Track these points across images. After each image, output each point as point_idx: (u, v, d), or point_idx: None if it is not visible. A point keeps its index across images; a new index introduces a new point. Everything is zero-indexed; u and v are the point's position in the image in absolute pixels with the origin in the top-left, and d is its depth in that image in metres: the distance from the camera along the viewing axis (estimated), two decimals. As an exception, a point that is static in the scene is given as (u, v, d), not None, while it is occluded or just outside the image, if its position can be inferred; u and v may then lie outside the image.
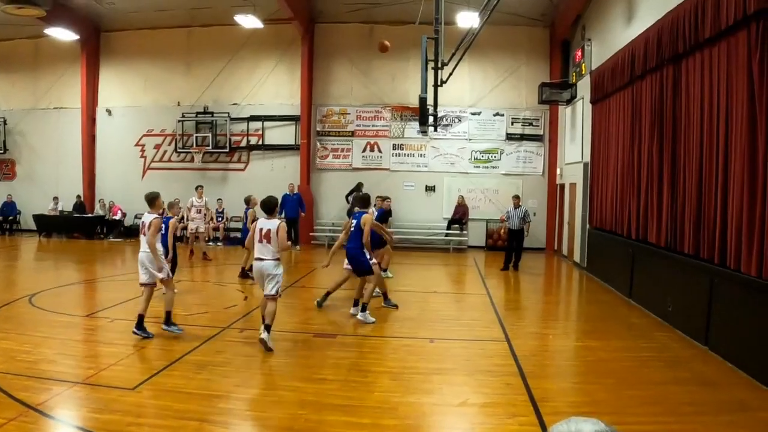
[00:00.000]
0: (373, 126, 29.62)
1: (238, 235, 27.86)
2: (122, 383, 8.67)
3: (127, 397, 8.20)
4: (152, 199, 11.66)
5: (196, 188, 23.76)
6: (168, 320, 11.56)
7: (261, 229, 10.81)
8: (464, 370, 10.11)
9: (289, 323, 13.23)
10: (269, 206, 11.14)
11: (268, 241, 10.69)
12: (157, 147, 31.47)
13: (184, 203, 26.57)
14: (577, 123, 24.18)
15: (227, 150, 30.31)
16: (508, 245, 22.61)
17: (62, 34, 28.24)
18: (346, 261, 14.37)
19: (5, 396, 7.91)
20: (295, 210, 27.23)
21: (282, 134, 30.23)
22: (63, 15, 27.28)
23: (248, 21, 26.18)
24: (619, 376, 9.81)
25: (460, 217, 28.20)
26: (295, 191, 28.10)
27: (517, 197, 22.76)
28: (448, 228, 28.40)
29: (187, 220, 23.10)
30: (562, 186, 26.91)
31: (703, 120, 12.39)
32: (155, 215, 11.75)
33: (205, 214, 23.49)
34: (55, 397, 8.07)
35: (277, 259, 10.87)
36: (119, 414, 7.53)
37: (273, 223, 10.76)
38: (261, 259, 10.88)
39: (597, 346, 11.74)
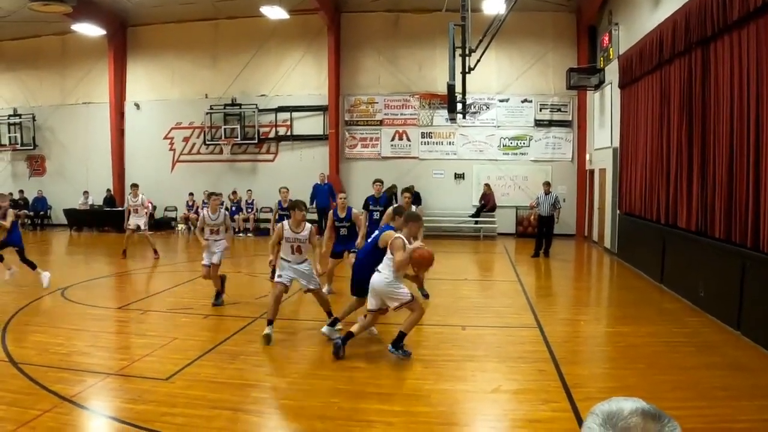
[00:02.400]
0: (401, 114, 29.60)
1: (269, 226, 28.00)
2: (155, 374, 8.74)
3: (161, 387, 8.28)
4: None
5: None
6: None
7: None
8: (496, 356, 10.10)
9: (320, 312, 13.25)
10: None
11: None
12: (186, 140, 31.64)
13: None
14: (605, 108, 24.05)
15: (256, 141, 30.41)
16: (538, 232, 22.39)
17: (89, 30, 28.36)
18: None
19: (40, 388, 8.00)
20: (326, 200, 27.30)
21: (310, 124, 30.29)
22: (89, 11, 27.36)
23: (274, 12, 26.16)
24: (651, 361, 9.77)
25: (488, 206, 28.09)
26: (326, 181, 28.18)
27: (547, 183, 22.51)
28: (476, 216, 28.31)
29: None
30: (592, 172, 26.79)
31: (732, 103, 12.28)
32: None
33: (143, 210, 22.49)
34: (88, 389, 8.15)
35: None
36: (153, 404, 7.60)
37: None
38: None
39: (628, 332, 11.69)
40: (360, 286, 10.67)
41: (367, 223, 14.63)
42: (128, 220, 21.65)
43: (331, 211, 14.62)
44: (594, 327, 12.52)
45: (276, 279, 11.27)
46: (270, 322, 10.78)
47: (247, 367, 9.31)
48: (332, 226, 14.52)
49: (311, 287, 11.41)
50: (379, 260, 10.06)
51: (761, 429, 7.03)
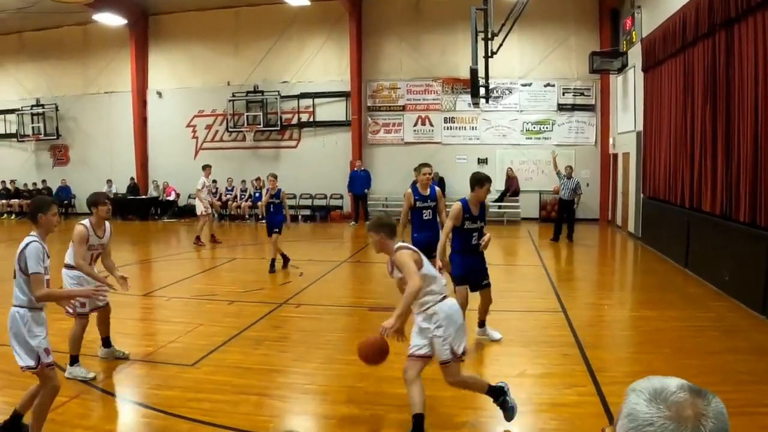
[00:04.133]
0: (423, 100, 29.57)
1: (293, 212, 28.08)
2: (181, 360, 8.82)
3: (187, 373, 8.37)
4: None
5: (204, 167, 22.50)
6: None
7: None
8: (521, 341, 10.13)
9: (344, 297, 13.36)
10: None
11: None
12: (209, 127, 31.77)
13: (237, 183, 26.89)
14: (629, 92, 23.94)
15: (278, 128, 30.53)
16: (558, 216, 22.51)
17: (110, 20, 28.48)
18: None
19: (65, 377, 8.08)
20: (363, 186, 27.46)
21: (333, 111, 30.34)
22: (110, 0, 27.44)
23: (295, -1, 26.16)
24: (676, 345, 9.77)
25: (513, 190, 28.06)
26: (363, 167, 28.31)
27: (569, 168, 22.50)
28: (500, 201, 28.24)
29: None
30: (615, 156, 26.68)
31: (757, 85, 12.19)
32: None
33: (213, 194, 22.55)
34: (115, 375, 8.23)
35: None
36: (179, 390, 7.67)
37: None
38: None
39: (653, 316, 11.67)
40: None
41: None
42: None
43: (409, 190, 11.83)
44: (618, 311, 12.51)
45: None
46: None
47: (272, 353, 9.37)
48: (410, 208, 11.85)
49: None
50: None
51: (787, 413, 7.02)
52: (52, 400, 6.27)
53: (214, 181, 29.32)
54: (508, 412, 6.85)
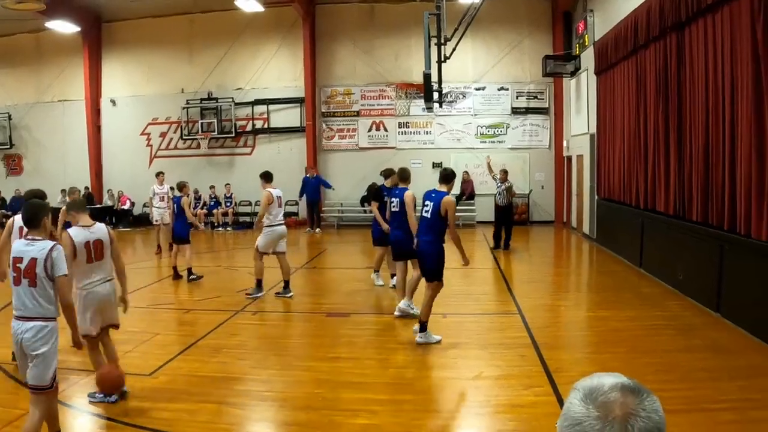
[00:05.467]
0: (378, 105, 29.58)
1: (248, 219, 28.02)
2: (139, 369, 8.74)
3: (145, 383, 8.30)
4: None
5: (157, 175, 21.65)
6: None
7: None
8: (478, 343, 10.18)
9: (301, 303, 13.32)
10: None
11: (31, 282, 6.30)
12: (163, 135, 31.50)
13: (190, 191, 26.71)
14: (582, 95, 24.13)
15: (233, 135, 30.31)
16: (495, 223, 21.26)
17: (63, 27, 28.04)
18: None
19: (23, 387, 7.98)
20: (315, 193, 27.37)
21: (287, 117, 30.22)
22: (63, 7, 27.13)
23: (249, 5, 25.96)
24: (632, 344, 9.87)
25: (469, 193, 28.13)
26: (315, 173, 28.25)
27: (504, 171, 21.38)
28: (457, 204, 28.20)
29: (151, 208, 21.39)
30: (569, 158, 26.87)
31: (708, 87, 12.36)
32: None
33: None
34: (72, 386, 8.16)
35: None
36: (137, 400, 7.62)
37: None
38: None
39: (609, 316, 11.79)
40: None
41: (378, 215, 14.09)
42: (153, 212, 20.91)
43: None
44: (574, 312, 12.61)
45: None
46: None
47: (230, 361, 9.34)
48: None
49: None
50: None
51: (742, 409, 7.11)
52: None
53: (172, 188, 29.16)
54: None
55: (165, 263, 18.57)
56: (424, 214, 10.51)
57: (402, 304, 11.92)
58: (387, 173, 14.40)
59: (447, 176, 10.76)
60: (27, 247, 6.01)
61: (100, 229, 7.66)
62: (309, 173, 27.94)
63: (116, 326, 8.15)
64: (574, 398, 1.75)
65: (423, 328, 10.23)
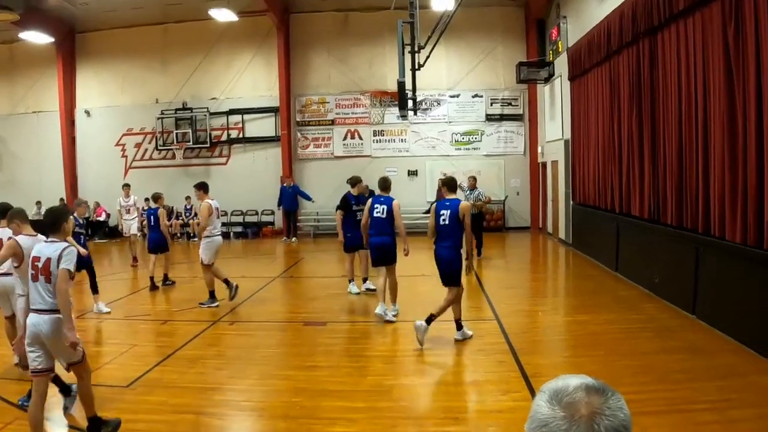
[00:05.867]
0: (352, 113, 29.60)
1: (224, 229, 27.98)
2: (116, 381, 8.70)
3: (123, 394, 8.25)
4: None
5: (123, 187, 21.68)
6: None
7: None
8: (456, 350, 10.19)
9: (277, 313, 13.32)
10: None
11: (47, 279, 7.01)
12: (138, 146, 31.34)
13: (168, 202, 26.63)
14: (556, 101, 24.23)
15: (208, 145, 30.22)
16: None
17: (37, 38, 27.86)
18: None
19: (1, 401, 7.92)
20: (292, 202, 27.32)
21: (262, 126, 30.16)
22: (36, 18, 27.02)
23: (223, 14, 25.99)
24: (610, 347, 9.91)
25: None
26: (293, 183, 28.19)
27: (473, 178, 20.93)
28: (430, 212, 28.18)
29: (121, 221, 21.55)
30: (544, 164, 26.96)
31: (681, 91, 12.45)
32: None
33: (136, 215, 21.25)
34: (50, 399, 8.06)
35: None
36: (115, 412, 7.53)
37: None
38: None
39: (586, 320, 11.82)
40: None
41: (347, 223, 14.72)
42: (122, 225, 21.05)
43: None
44: (552, 317, 12.64)
45: None
46: None
47: (208, 371, 9.30)
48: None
49: None
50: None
51: (721, 409, 7.14)
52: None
53: (147, 200, 29.00)
54: None
55: (141, 274, 18.49)
56: (442, 223, 10.70)
57: (378, 309, 12.14)
58: (354, 181, 14.93)
59: (453, 185, 11.23)
60: (45, 248, 6.75)
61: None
62: (286, 182, 27.89)
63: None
64: (541, 400, 1.77)
65: (459, 326, 10.65)
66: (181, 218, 29.00)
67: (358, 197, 14.65)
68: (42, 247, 6.81)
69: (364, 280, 14.99)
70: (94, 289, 13.62)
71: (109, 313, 13.32)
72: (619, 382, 7.84)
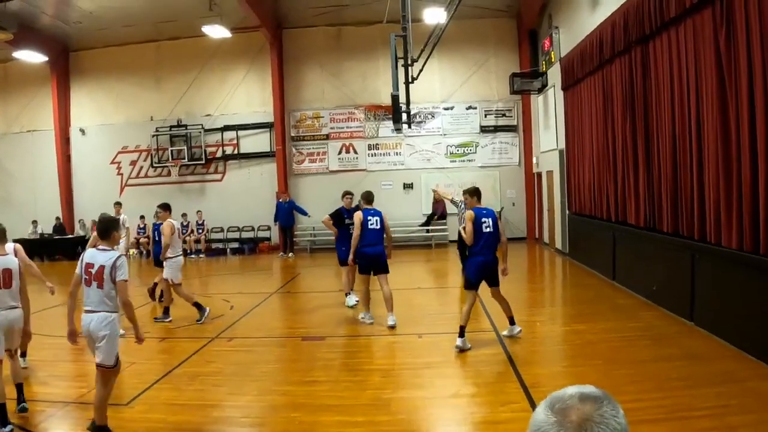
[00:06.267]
0: (347, 127, 29.63)
1: (220, 245, 27.96)
2: (115, 399, 8.63)
3: (121, 413, 8.21)
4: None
5: (114, 205, 20.00)
6: None
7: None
8: (454, 362, 10.18)
9: (276, 329, 13.30)
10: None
11: (99, 284, 7.73)
12: (133, 163, 31.33)
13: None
14: (549, 111, 24.28)
15: (203, 161, 30.21)
16: (460, 251, 17.36)
17: (31, 57, 27.81)
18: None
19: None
20: (288, 217, 27.29)
21: (257, 142, 30.19)
22: (30, 37, 27.05)
23: (216, 31, 25.98)
24: (608, 356, 9.90)
25: (441, 213, 28.11)
26: (288, 198, 28.21)
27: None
28: (427, 225, 28.27)
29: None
30: (539, 174, 26.99)
31: (674, 99, 12.49)
32: None
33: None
34: (49, 419, 8.09)
35: None
36: (114, 431, 7.53)
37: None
38: None
39: (584, 329, 11.82)
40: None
41: (341, 237, 15.00)
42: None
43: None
44: (550, 327, 12.64)
45: None
46: None
47: (206, 388, 9.27)
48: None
49: None
50: None
51: (720, 415, 7.13)
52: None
53: (142, 217, 28.97)
54: None
55: (136, 292, 18.47)
56: (486, 230, 11.07)
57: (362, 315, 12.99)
58: (347, 194, 15.33)
59: (480, 193, 11.73)
60: (98, 255, 7.43)
61: (11, 261, 8.27)
62: (281, 198, 27.89)
63: (18, 350, 8.82)
64: (540, 407, 1.80)
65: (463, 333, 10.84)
66: (193, 234, 28.99)
67: (350, 211, 14.80)
68: (95, 254, 7.46)
69: (347, 294, 15.25)
70: None
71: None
72: (618, 391, 7.85)
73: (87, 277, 7.38)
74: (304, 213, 27.38)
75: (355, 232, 13.00)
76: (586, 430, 1.67)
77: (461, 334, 10.69)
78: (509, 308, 11.53)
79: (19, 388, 8.34)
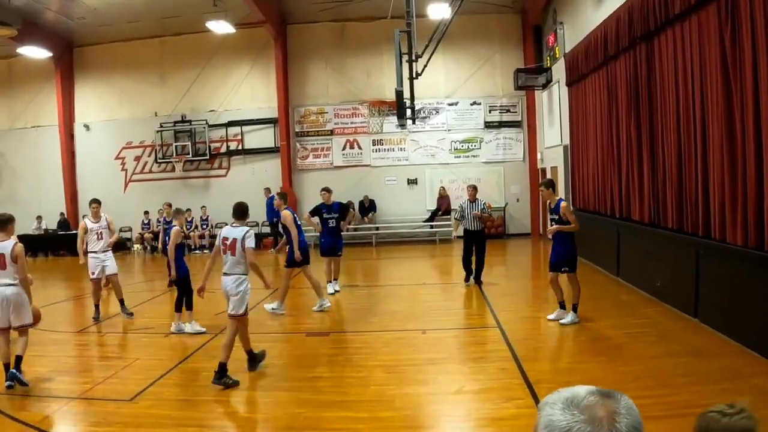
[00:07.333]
0: (351, 123, 29.61)
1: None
2: (119, 395, 8.67)
3: (125, 408, 8.22)
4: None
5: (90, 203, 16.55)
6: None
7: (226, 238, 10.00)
8: (458, 358, 10.20)
9: (280, 324, 13.27)
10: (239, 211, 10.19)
11: (233, 253, 9.61)
12: (138, 159, 31.33)
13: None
14: (554, 107, 24.25)
15: (207, 157, 30.26)
16: (465, 250, 17.12)
17: (35, 53, 27.82)
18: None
19: (4, 417, 7.91)
20: (273, 214, 27.25)
21: (261, 138, 30.18)
22: (34, 33, 27.02)
23: (220, 27, 25.96)
24: (612, 353, 9.91)
25: (445, 209, 28.10)
26: (270, 194, 27.98)
27: (473, 188, 16.97)
28: (431, 220, 28.30)
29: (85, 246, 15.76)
30: (544, 170, 26.93)
31: (678, 95, 12.47)
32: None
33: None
34: (53, 414, 8.09)
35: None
36: (118, 426, 7.55)
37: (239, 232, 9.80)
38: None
39: (588, 326, 11.79)
40: None
41: (322, 230, 16.47)
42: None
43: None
44: (554, 323, 12.59)
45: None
46: None
47: (211, 383, 9.25)
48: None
49: None
50: None
51: (723, 413, 7.11)
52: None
53: (146, 212, 28.98)
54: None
55: (140, 288, 18.48)
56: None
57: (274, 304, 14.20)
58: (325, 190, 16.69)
59: (552, 184, 13.34)
60: (232, 231, 9.67)
61: (4, 246, 9.39)
62: (266, 194, 27.89)
63: (26, 326, 9.83)
64: (554, 410, 1.76)
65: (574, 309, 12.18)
66: (197, 230, 28.97)
67: (330, 206, 16.20)
68: (230, 230, 9.72)
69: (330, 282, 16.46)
70: (184, 306, 12.96)
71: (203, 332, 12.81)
72: (622, 387, 7.79)
73: (224, 247, 9.59)
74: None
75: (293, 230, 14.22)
76: (618, 423, 1.68)
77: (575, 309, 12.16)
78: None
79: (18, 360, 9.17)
